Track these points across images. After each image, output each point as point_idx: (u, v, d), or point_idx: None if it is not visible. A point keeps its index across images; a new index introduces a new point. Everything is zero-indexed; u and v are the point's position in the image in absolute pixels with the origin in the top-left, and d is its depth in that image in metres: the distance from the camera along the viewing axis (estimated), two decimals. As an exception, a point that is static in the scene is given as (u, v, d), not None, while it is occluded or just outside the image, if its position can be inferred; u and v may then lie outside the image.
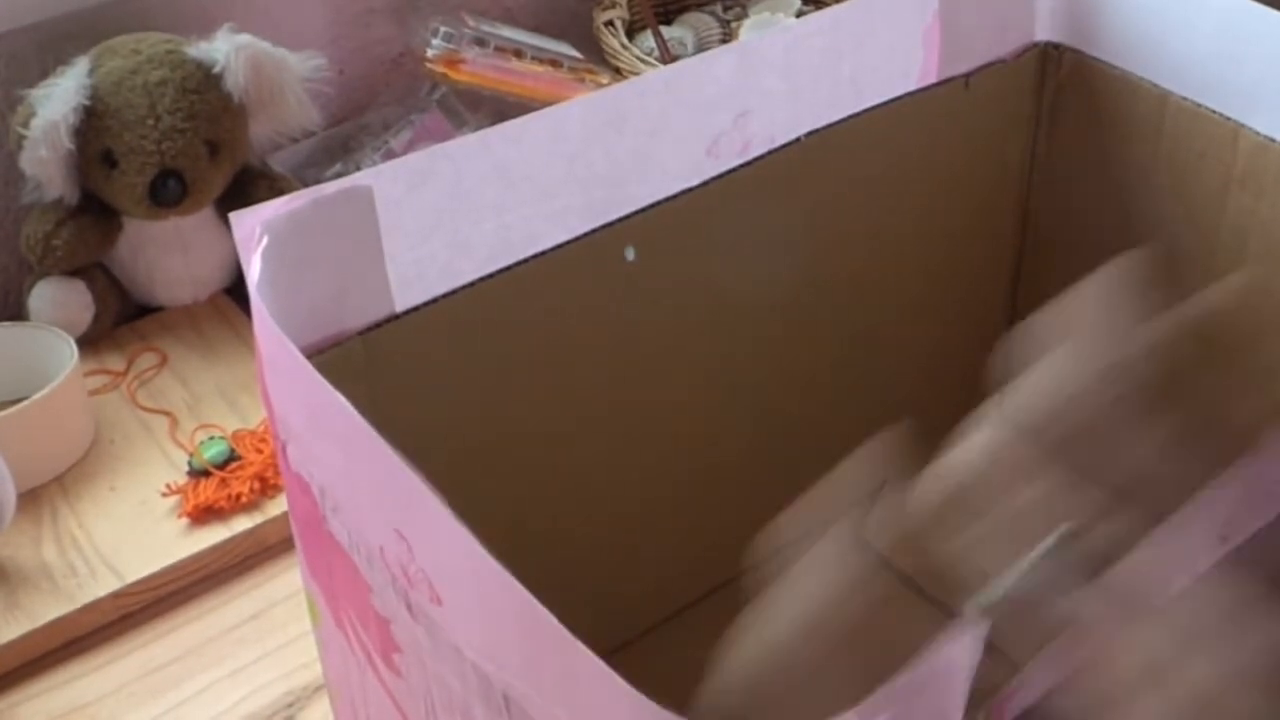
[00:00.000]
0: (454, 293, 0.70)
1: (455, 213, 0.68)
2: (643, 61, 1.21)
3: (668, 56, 1.25)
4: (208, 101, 1.06)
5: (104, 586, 0.88)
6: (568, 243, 0.73)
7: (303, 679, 0.85)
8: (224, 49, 1.05)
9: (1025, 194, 0.95)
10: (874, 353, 0.93)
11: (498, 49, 1.21)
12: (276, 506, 0.94)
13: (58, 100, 1.02)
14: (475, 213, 0.69)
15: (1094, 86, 0.88)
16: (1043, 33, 0.89)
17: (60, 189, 1.05)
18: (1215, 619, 0.47)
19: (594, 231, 0.74)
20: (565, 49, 1.26)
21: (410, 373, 0.68)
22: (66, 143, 1.02)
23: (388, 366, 0.66)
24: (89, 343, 1.07)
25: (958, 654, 0.47)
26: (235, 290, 1.14)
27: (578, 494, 0.81)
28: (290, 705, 0.83)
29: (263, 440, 0.98)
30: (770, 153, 0.79)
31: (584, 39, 1.29)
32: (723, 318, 0.82)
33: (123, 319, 1.12)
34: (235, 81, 1.05)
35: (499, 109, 1.18)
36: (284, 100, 1.09)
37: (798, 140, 0.80)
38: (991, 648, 0.82)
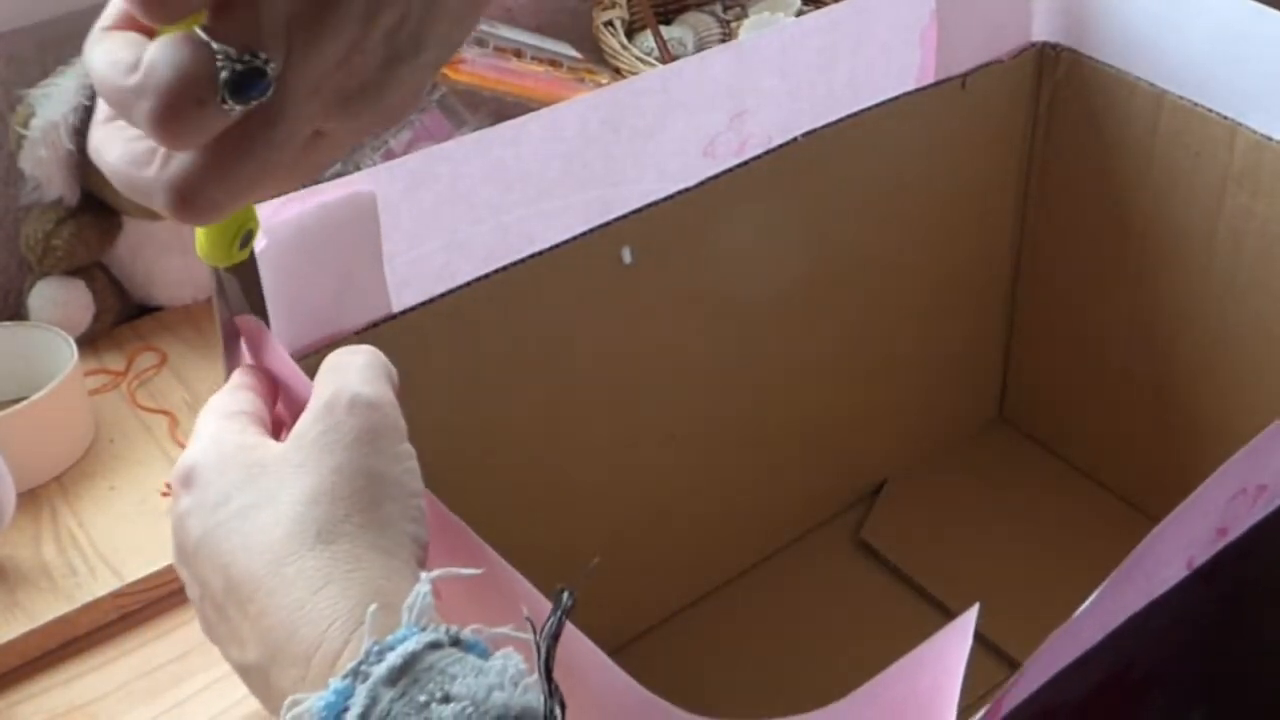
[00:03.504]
0: (451, 293, 0.70)
1: (453, 213, 0.68)
2: (642, 61, 1.21)
3: (667, 56, 1.25)
4: (207, 101, 1.06)
5: (103, 586, 0.88)
6: (565, 243, 0.73)
7: (302, 678, 0.85)
8: (223, 49, 1.05)
9: (1023, 193, 0.95)
10: (872, 352, 0.93)
11: (497, 49, 1.21)
12: (276, 506, 0.94)
13: (57, 100, 1.02)
14: (473, 213, 0.69)
15: (1091, 86, 0.88)
16: (1040, 33, 0.89)
17: (60, 189, 1.05)
18: None
19: (591, 231, 0.74)
20: (565, 49, 1.26)
21: (407, 373, 0.68)
22: (66, 143, 1.02)
23: (385, 366, 0.66)
24: (89, 342, 1.07)
25: (950, 643, 0.48)
26: (235, 290, 1.14)
27: (576, 493, 0.81)
28: (289, 704, 0.84)
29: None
30: (767, 153, 0.79)
31: (584, 39, 1.29)
32: (720, 317, 0.83)
33: (122, 319, 1.12)
34: (235, 82, 1.05)
35: (498, 109, 1.18)
36: (283, 100, 1.09)
37: (795, 140, 0.80)
38: (991, 646, 0.82)
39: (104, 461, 0.98)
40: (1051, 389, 1.01)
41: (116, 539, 0.92)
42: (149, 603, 0.90)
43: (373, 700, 0.42)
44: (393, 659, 0.43)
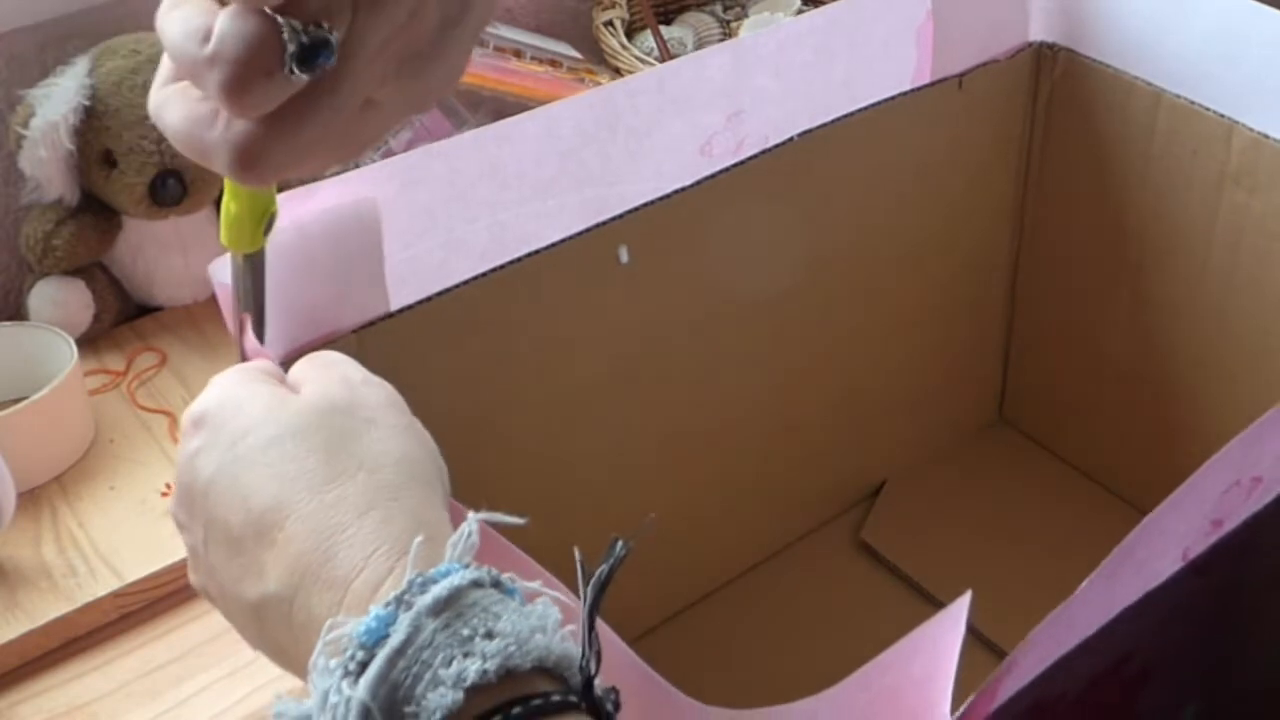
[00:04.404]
0: (448, 291, 0.70)
1: (449, 212, 0.68)
2: (642, 61, 1.21)
3: (667, 56, 1.25)
4: (207, 102, 1.06)
5: (104, 586, 0.88)
6: (561, 242, 0.73)
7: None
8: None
9: (1020, 193, 0.95)
10: (871, 353, 0.93)
11: (497, 49, 1.21)
12: (275, 506, 0.94)
13: (57, 100, 1.02)
14: (469, 212, 0.69)
15: (1088, 85, 0.88)
16: (1036, 32, 0.89)
17: (60, 189, 1.05)
18: None
19: (587, 231, 0.74)
20: (565, 49, 1.26)
21: (404, 371, 0.68)
22: (66, 143, 1.02)
23: (382, 365, 0.66)
24: (89, 342, 1.07)
25: (942, 630, 0.48)
26: (235, 290, 1.14)
27: (574, 493, 0.81)
28: (289, 704, 0.84)
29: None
30: (764, 152, 0.79)
31: (584, 39, 1.29)
32: (717, 317, 0.82)
33: (123, 319, 1.12)
34: (235, 82, 1.05)
35: (499, 109, 1.19)
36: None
37: (791, 140, 0.80)
38: (992, 647, 0.82)
39: (104, 461, 0.98)
40: (1051, 389, 1.01)
41: (116, 539, 0.92)
42: (149, 603, 0.90)
43: (415, 629, 0.42)
44: (438, 591, 0.43)
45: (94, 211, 1.08)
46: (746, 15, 1.35)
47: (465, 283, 0.70)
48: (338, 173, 0.65)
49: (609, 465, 0.82)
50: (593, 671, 0.43)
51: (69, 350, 0.98)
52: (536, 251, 0.72)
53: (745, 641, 0.89)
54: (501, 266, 0.71)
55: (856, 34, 0.80)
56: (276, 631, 0.49)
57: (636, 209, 0.75)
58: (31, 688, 0.85)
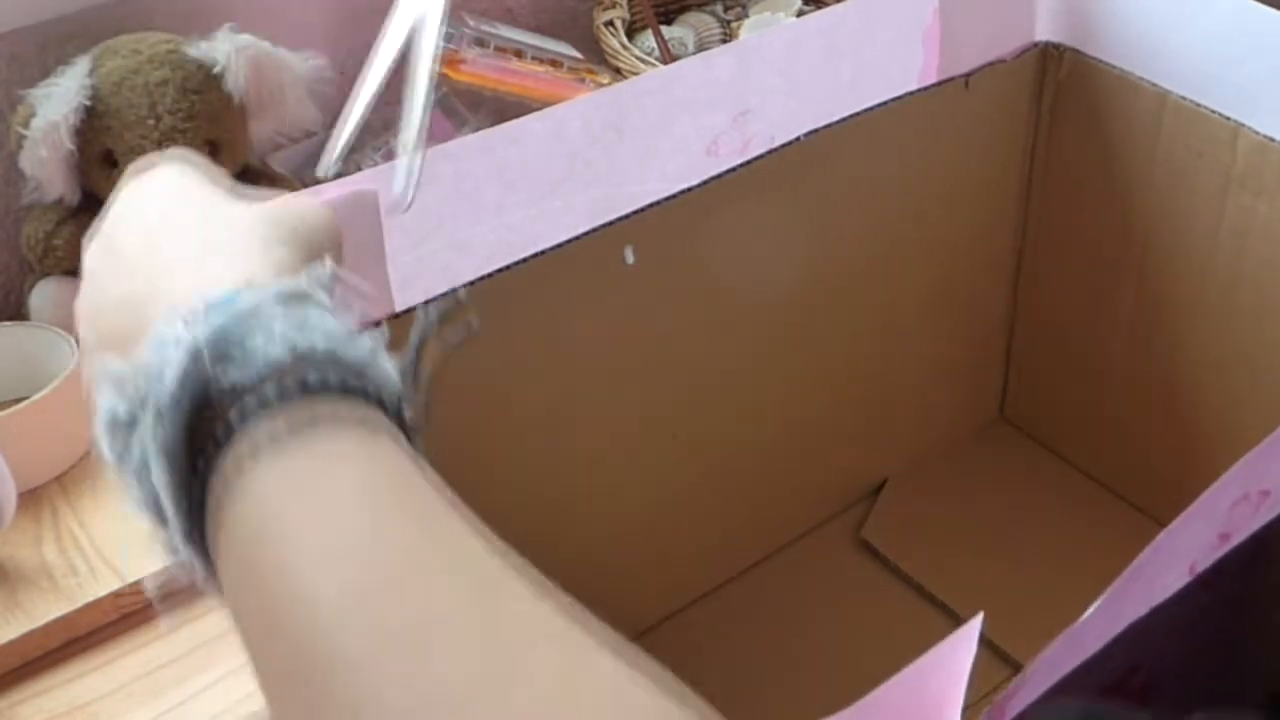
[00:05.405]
0: (453, 292, 0.70)
1: (455, 213, 0.68)
2: (643, 61, 1.20)
3: (668, 56, 1.25)
4: (208, 102, 1.05)
5: (104, 586, 0.88)
6: (567, 242, 0.73)
7: (303, 678, 0.85)
8: (225, 49, 1.05)
9: (1025, 194, 0.95)
10: (874, 352, 0.93)
11: (498, 49, 1.20)
12: (277, 506, 0.93)
13: (58, 100, 1.02)
14: (475, 213, 0.69)
15: (1093, 86, 0.88)
16: (1043, 33, 0.89)
17: (61, 189, 1.05)
18: None
19: (593, 231, 0.74)
20: (565, 49, 1.26)
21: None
22: (67, 143, 1.02)
23: (387, 366, 0.67)
24: (89, 342, 1.07)
25: (955, 651, 0.47)
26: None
27: (576, 493, 0.81)
28: (290, 704, 0.83)
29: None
30: (770, 152, 0.79)
31: (584, 39, 1.29)
32: (722, 317, 0.82)
33: (123, 319, 1.12)
34: (236, 82, 1.05)
35: (499, 109, 1.18)
36: (284, 100, 1.09)
37: (797, 140, 0.80)
38: (992, 647, 0.82)
39: (105, 461, 0.98)
40: (1053, 389, 1.01)
41: (117, 539, 0.92)
42: (150, 603, 0.89)
43: (261, 302, 0.45)
44: (290, 284, 0.46)
45: (95, 211, 1.06)
46: (747, 15, 1.35)
47: (471, 284, 0.70)
48: (340, 175, 0.65)
49: (611, 464, 0.82)
50: (407, 398, 0.46)
51: (70, 350, 0.98)
52: (542, 252, 0.72)
53: (745, 639, 0.89)
54: (507, 267, 0.71)
55: (862, 34, 0.80)
56: (132, 326, 0.50)
57: (642, 209, 0.75)
58: (32, 688, 0.85)
